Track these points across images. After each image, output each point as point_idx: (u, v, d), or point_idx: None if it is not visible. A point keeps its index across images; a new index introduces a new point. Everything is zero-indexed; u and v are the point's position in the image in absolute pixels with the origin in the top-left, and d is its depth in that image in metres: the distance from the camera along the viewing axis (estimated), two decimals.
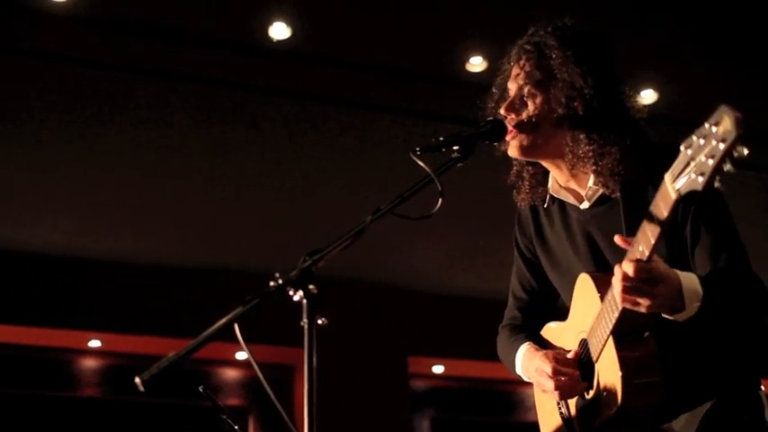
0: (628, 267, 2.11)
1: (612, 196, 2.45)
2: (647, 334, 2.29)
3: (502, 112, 2.51)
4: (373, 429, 7.51)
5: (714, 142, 1.78)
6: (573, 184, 2.55)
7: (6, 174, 6.20)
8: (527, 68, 2.49)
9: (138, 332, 7.38)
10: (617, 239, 2.18)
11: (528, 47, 2.51)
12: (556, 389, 2.48)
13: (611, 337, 2.29)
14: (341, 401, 6.81)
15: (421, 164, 2.31)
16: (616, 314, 2.22)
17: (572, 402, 2.57)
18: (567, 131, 2.45)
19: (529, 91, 2.48)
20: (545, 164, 2.58)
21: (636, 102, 2.54)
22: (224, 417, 3.19)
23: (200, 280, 7.42)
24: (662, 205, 1.98)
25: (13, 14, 4.98)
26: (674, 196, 1.92)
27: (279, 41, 5.27)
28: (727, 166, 1.80)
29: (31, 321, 7.25)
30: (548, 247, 2.68)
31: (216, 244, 7.26)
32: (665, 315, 2.23)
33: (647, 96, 5.72)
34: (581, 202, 2.53)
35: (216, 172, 6.35)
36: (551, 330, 2.73)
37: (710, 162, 1.80)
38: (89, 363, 7.73)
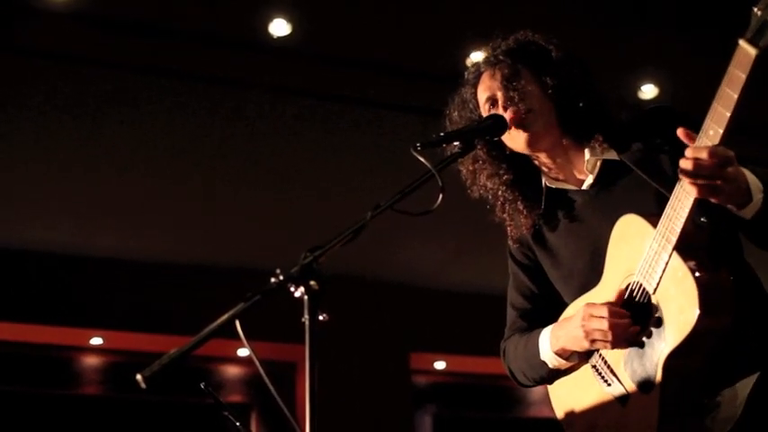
0: (699, 152, 2.05)
1: (613, 159, 2.46)
2: (718, 263, 2.20)
3: (500, 107, 2.51)
4: (375, 426, 7.51)
5: None
6: (569, 169, 2.56)
7: (7, 172, 6.20)
8: (501, 69, 2.53)
9: (139, 330, 7.39)
10: (679, 132, 2.11)
11: (491, 57, 2.57)
12: (610, 328, 2.31)
13: (675, 255, 2.19)
14: (343, 398, 6.82)
15: (422, 159, 2.31)
16: (683, 217, 2.14)
17: (617, 362, 2.41)
18: (556, 119, 2.50)
19: (513, 85, 2.50)
20: (543, 157, 2.57)
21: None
22: (226, 414, 3.19)
23: (201, 278, 7.42)
24: (738, 71, 1.98)
25: (12, 13, 4.98)
26: (753, 52, 1.95)
27: (279, 38, 5.26)
28: None
29: (33, 319, 7.25)
30: (547, 247, 2.65)
31: (217, 242, 7.26)
32: (732, 209, 2.17)
33: (648, 91, 5.72)
34: (580, 185, 2.54)
35: (216, 170, 6.35)
36: (581, 302, 2.54)
37: None
38: (91, 360, 7.74)
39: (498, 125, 2.48)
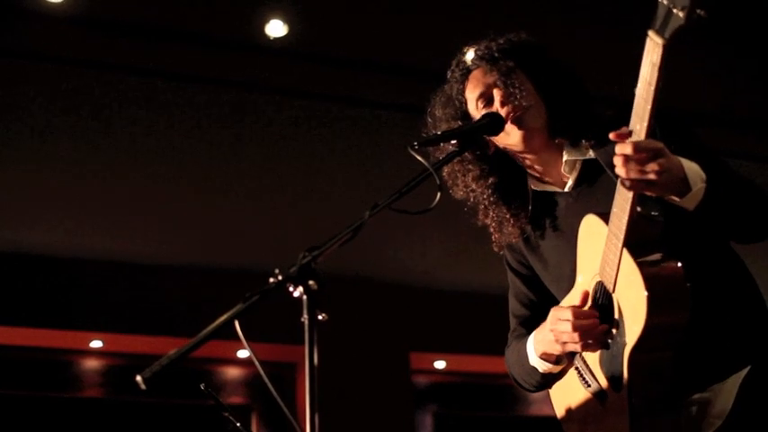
0: (624, 147, 2.07)
1: (590, 158, 2.47)
2: (668, 254, 2.20)
3: (497, 104, 2.50)
4: (376, 426, 7.51)
5: None
6: (552, 171, 2.55)
7: (6, 175, 6.20)
8: (495, 66, 2.52)
9: (139, 332, 7.39)
10: (611, 135, 2.11)
11: (482, 54, 2.56)
12: (574, 330, 2.33)
13: (625, 252, 2.20)
14: (343, 398, 6.82)
15: (419, 158, 2.31)
16: (627, 212, 2.15)
17: (595, 363, 2.42)
18: (545, 117, 2.50)
19: (506, 82, 2.49)
20: (530, 158, 2.56)
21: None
22: (227, 415, 3.19)
23: (201, 279, 7.42)
24: (650, 63, 1.98)
25: (9, 16, 4.98)
26: (661, 42, 1.93)
27: (275, 39, 5.26)
28: None
29: (33, 322, 7.25)
30: (537, 251, 2.65)
31: (217, 243, 7.26)
32: (673, 199, 2.18)
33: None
34: (564, 187, 2.53)
35: (214, 171, 6.35)
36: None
37: None
38: (91, 363, 7.74)
39: (495, 123, 2.48)
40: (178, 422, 7.68)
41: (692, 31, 1.88)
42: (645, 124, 2.04)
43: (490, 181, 2.58)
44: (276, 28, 5.21)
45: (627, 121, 2.16)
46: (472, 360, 8.30)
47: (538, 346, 2.56)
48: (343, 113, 5.91)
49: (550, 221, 2.59)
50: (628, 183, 2.11)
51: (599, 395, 2.42)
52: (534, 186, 2.59)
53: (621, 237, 2.18)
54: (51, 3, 4.90)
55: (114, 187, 6.42)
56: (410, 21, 5.26)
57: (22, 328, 7.28)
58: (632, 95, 2.08)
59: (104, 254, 7.27)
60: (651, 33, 1.95)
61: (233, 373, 8.01)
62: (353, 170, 6.42)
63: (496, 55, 2.53)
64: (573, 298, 2.45)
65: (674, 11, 1.86)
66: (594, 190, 2.48)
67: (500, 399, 8.67)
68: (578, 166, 2.51)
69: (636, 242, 2.19)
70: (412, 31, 5.31)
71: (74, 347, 7.65)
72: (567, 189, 2.54)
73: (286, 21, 5.19)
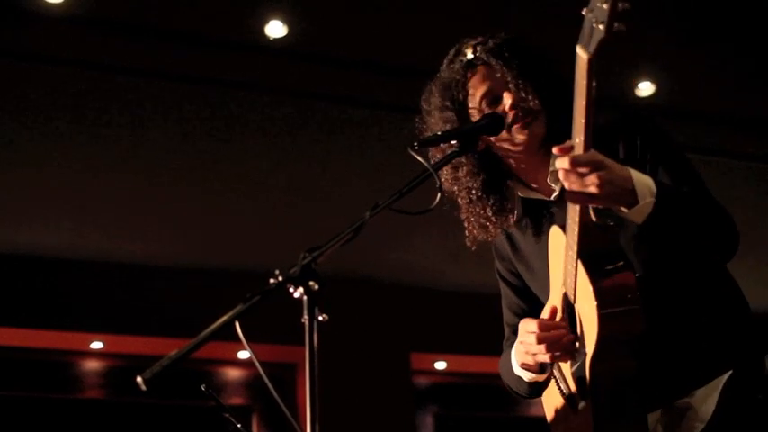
0: (563, 162, 2.08)
1: None
2: (620, 263, 2.22)
3: (505, 105, 2.48)
4: (376, 426, 7.51)
5: None
6: (540, 178, 2.53)
7: (7, 176, 6.19)
8: (508, 67, 2.49)
9: (139, 333, 7.39)
10: (554, 150, 2.12)
11: (491, 51, 2.52)
12: (539, 342, 2.35)
13: (580, 264, 2.22)
14: (344, 399, 6.81)
15: (419, 159, 2.31)
16: (577, 221, 2.16)
17: (567, 371, 2.46)
18: (544, 119, 2.49)
19: (518, 85, 2.47)
20: (523, 164, 2.54)
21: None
22: (227, 416, 3.19)
23: (201, 281, 7.42)
24: (579, 77, 1.99)
25: (8, 16, 4.98)
26: (585, 56, 1.95)
27: (275, 40, 5.26)
28: (624, 5, 1.85)
29: (33, 324, 7.25)
30: (524, 259, 2.66)
31: (217, 244, 7.26)
32: (622, 210, 2.17)
33: (645, 89, 5.71)
34: (551, 194, 2.53)
35: (214, 171, 6.35)
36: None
37: (605, 6, 1.85)
38: (91, 364, 7.74)
39: (495, 124, 2.47)
40: (179, 423, 7.68)
41: (611, 43, 1.89)
42: (582, 138, 2.05)
43: (480, 178, 2.56)
44: (276, 28, 5.21)
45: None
46: (473, 361, 8.29)
47: (517, 357, 2.58)
48: (343, 114, 5.91)
49: (536, 229, 2.59)
50: (570, 196, 2.12)
51: (571, 402, 2.46)
52: (521, 193, 2.58)
53: (575, 248, 2.21)
54: (51, 3, 4.90)
55: (115, 188, 6.42)
56: (410, 21, 5.26)
57: (23, 330, 7.28)
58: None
59: (105, 255, 7.27)
60: (578, 48, 1.97)
61: (233, 373, 8.01)
62: (353, 170, 6.42)
63: (507, 55, 2.50)
64: (545, 310, 2.48)
65: (595, 25, 1.89)
66: None
67: (501, 399, 8.66)
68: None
69: (590, 252, 2.22)
70: (412, 31, 5.31)
71: (74, 348, 7.65)
72: (552, 198, 2.53)
73: (286, 21, 5.19)
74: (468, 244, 2.69)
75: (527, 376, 2.61)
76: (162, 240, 7.20)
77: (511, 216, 2.60)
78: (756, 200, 6.50)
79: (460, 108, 2.55)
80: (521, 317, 2.69)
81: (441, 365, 8.60)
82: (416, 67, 5.57)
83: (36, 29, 5.03)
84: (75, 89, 5.47)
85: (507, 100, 2.47)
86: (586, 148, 2.06)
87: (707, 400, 2.30)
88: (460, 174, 2.57)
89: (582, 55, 1.96)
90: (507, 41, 2.54)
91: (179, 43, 5.24)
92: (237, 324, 2.00)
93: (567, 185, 2.11)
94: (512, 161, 2.55)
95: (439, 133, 2.44)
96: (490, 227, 2.60)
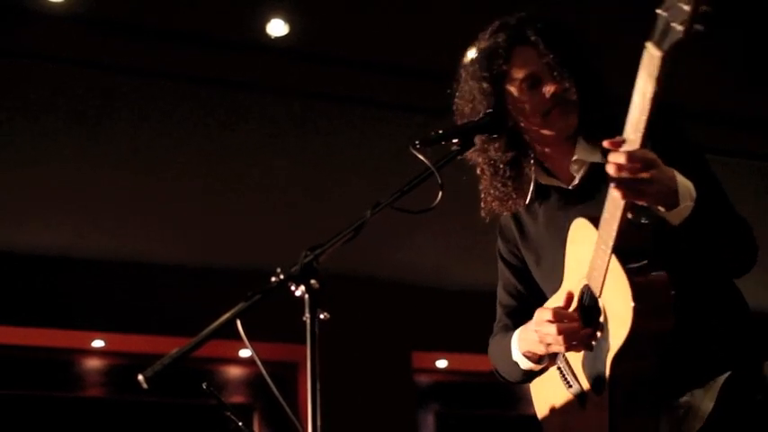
0: (617, 156, 2.08)
1: (600, 162, 2.44)
2: (655, 262, 2.22)
3: (545, 93, 2.46)
4: (378, 425, 7.51)
5: None
6: (561, 165, 2.54)
7: (7, 175, 6.20)
8: (549, 51, 2.46)
9: (141, 332, 7.39)
10: (605, 143, 2.12)
11: (534, 31, 2.49)
12: (559, 332, 2.34)
13: (613, 258, 2.21)
14: (345, 397, 6.81)
15: (421, 157, 2.30)
16: (619, 213, 2.16)
17: (577, 364, 2.46)
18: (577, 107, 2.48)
19: (560, 72, 2.46)
20: (547, 149, 2.55)
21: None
22: (228, 414, 3.20)
23: (202, 279, 7.43)
24: (646, 75, 1.98)
25: (10, 16, 4.98)
26: (659, 54, 1.94)
27: (276, 39, 5.26)
28: (705, 6, 1.83)
29: (35, 322, 7.26)
30: (531, 245, 2.66)
31: (217, 242, 7.26)
32: (660, 210, 2.19)
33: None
34: (570, 183, 2.53)
35: (215, 170, 6.35)
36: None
37: (687, 7, 1.83)
38: (93, 363, 7.74)
39: (497, 122, 2.47)
40: (180, 421, 7.68)
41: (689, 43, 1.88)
42: (639, 135, 2.05)
43: (508, 155, 2.56)
44: (277, 27, 5.21)
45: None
46: (474, 359, 8.28)
47: (522, 344, 2.58)
48: (344, 113, 5.91)
49: (549, 216, 2.59)
50: (619, 191, 2.12)
51: (580, 396, 2.45)
52: (540, 178, 2.59)
53: (611, 243, 2.19)
54: (52, 2, 4.90)
55: (116, 187, 6.42)
56: (411, 20, 5.26)
57: (24, 328, 7.29)
58: (626, 94, 2.08)
59: (106, 253, 7.27)
60: (649, 45, 1.96)
61: (235, 372, 8.01)
62: (355, 169, 6.42)
63: (554, 39, 2.48)
64: (558, 299, 2.47)
65: (673, 24, 1.88)
66: (597, 193, 2.45)
67: (502, 398, 8.67)
68: (586, 166, 2.51)
69: (624, 249, 2.21)
70: (413, 30, 5.31)
71: (76, 347, 7.65)
72: (571, 186, 2.54)
73: (287, 20, 5.19)
74: (483, 215, 2.67)
75: (525, 364, 2.62)
76: (163, 239, 7.21)
77: (524, 198, 2.61)
78: (755, 198, 6.52)
79: (498, 80, 2.53)
80: (515, 298, 2.74)
81: (442, 364, 8.61)
82: (417, 66, 5.61)
83: (37, 28, 5.03)
84: (76, 88, 5.47)
85: (550, 88, 2.46)
86: (642, 144, 2.06)
87: (705, 399, 2.31)
88: (490, 147, 2.56)
89: (654, 53, 1.95)
90: (554, 24, 2.53)
91: (180, 42, 5.24)
92: (239, 322, 2.01)
93: (616, 179, 2.10)
94: (537, 145, 2.56)
95: (440, 132, 2.43)
96: (508, 202, 2.61)
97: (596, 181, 2.46)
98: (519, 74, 2.50)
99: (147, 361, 1.95)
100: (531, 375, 2.68)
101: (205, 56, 5.33)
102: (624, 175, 2.09)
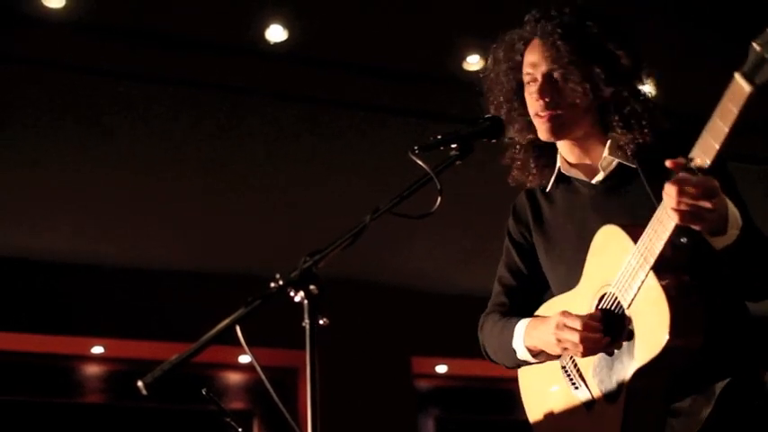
0: (686, 178, 2.06)
1: (629, 164, 2.45)
2: (692, 282, 2.23)
3: (534, 96, 2.47)
4: (377, 430, 7.50)
5: None
6: (586, 159, 2.54)
7: (8, 181, 6.20)
8: (556, 50, 2.45)
9: (141, 337, 7.38)
10: (668, 163, 2.09)
11: (549, 27, 2.47)
12: (582, 342, 2.34)
13: (651, 274, 2.21)
14: (345, 403, 6.81)
15: (420, 162, 2.30)
16: (668, 231, 2.15)
17: (587, 367, 2.45)
18: (594, 108, 2.47)
19: (562, 74, 2.45)
20: (562, 143, 2.56)
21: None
22: (228, 420, 3.20)
23: (201, 284, 7.42)
24: (731, 104, 1.95)
25: (9, 22, 4.98)
26: (748, 89, 1.92)
27: (275, 44, 5.27)
28: None
29: (34, 328, 7.25)
30: (545, 230, 2.66)
31: (217, 248, 7.26)
32: (705, 234, 2.19)
33: (647, 91, 5.70)
34: (592, 177, 2.53)
35: (215, 176, 6.35)
36: (555, 303, 2.60)
37: None
38: (92, 369, 7.73)
39: (495, 127, 2.47)
40: (180, 427, 7.67)
41: None
42: (709, 161, 2.03)
43: (530, 136, 2.59)
44: (276, 33, 5.22)
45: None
46: (474, 364, 8.26)
47: (529, 339, 2.57)
48: (343, 117, 5.91)
49: (567, 206, 2.59)
50: (677, 214, 2.11)
51: (586, 400, 2.45)
52: (563, 167, 2.59)
53: (652, 260, 2.20)
54: (51, 8, 4.91)
55: (115, 192, 6.42)
56: (410, 25, 5.26)
57: (24, 334, 7.28)
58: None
59: (106, 259, 7.27)
60: (738, 77, 1.93)
61: (234, 378, 8.00)
62: (354, 174, 6.42)
63: (558, 33, 2.45)
64: (579, 302, 2.46)
65: None
66: (622, 193, 2.47)
67: (502, 403, 8.65)
68: (614, 165, 2.50)
69: (662, 266, 2.21)
70: (412, 35, 5.31)
71: (75, 353, 7.64)
72: (594, 181, 2.53)
73: (286, 26, 5.19)
74: (510, 182, 2.69)
75: (523, 356, 2.61)
76: (163, 244, 7.20)
77: (545, 180, 2.62)
78: (755, 202, 6.50)
79: (514, 70, 2.56)
80: (516, 277, 2.74)
81: (442, 369, 8.60)
82: (416, 71, 5.61)
83: (37, 33, 5.03)
84: (76, 94, 5.47)
85: (535, 92, 2.48)
86: (711, 171, 2.06)
87: (704, 404, 2.32)
88: (516, 127, 2.60)
89: (744, 86, 1.92)
90: (579, 20, 2.48)
91: (179, 47, 5.25)
92: (238, 328, 2.01)
93: (674, 203, 2.08)
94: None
95: (439, 137, 2.44)
96: (530, 177, 2.63)
97: (621, 180, 2.47)
98: (526, 68, 2.53)
99: (146, 367, 1.95)
100: (522, 364, 2.68)
101: (205, 61, 5.33)
102: (685, 199, 2.08)
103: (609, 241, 2.39)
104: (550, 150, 2.62)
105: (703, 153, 2.04)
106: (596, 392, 2.41)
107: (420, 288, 7.97)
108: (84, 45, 5.14)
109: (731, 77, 1.97)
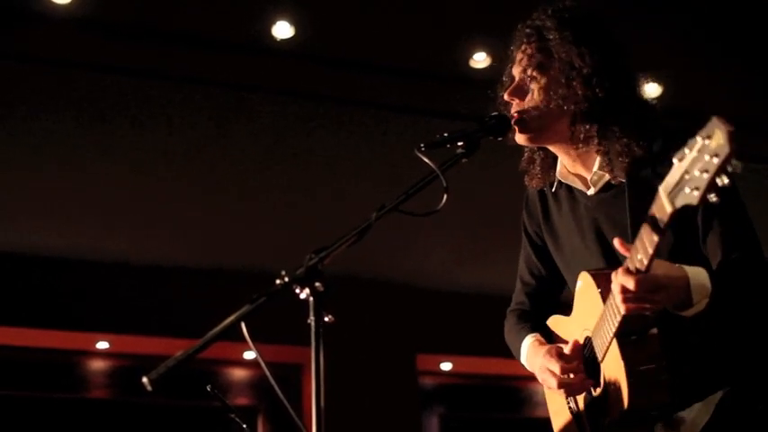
0: (626, 280, 2.11)
1: (616, 183, 2.43)
2: (653, 331, 2.27)
3: (505, 97, 2.51)
4: (382, 427, 7.51)
5: (707, 157, 1.77)
6: (580, 169, 2.53)
7: (12, 177, 6.20)
8: (528, 52, 2.48)
9: (145, 333, 7.39)
10: (616, 244, 2.16)
11: (528, 30, 2.50)
12: (560, 387, 2.45)
13: (614, 339, 2.27)
14: (349, 399, 6.82)
15: (426, 160, 2.30)
16: (618, 318, 2.21)
17: (580, 398, 2.54)
18: (570, 113, 2.44)
19: (531, 74, 2.47)
20: (552, 149, 2.56)
21: (643, 86, 2.54)
22: (233, 416, 3.20)
23: (207, 281, 7.43)
24: (658, 217, 1.96)
25: (13, 18, 4.98)
26: (669, 210, 1.91)
27: (282, 41, 5.26)
28: (723, 181, 1.78)
29: (39, 324, 7.26)
30: (554, 230, 2.67)
31: (222, 245, 7.26)
32: (669, 309, 2.22)
33: (651, 90, 5.70)
34: (588, 188, 2.52)
35: (221, 172, 6.35)
36: (558, 321, 2.69)
37: (705, 176, 1.79)
38: (97, 364, 7.74)
39: (501, 125, 2.47)
40: (184, 423, 7.68)
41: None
42: (646, 261, 2.06)
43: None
44: (283, 29, 5.21)
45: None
46: (479, 362, 8.29)
47: (528, 365, 2.69)
48: (349, 115, 5.91)
49: (571, 207, 2.59)
50: (623, 308, 2.16)
51: (578, 419, 2.57)
52: (560, 177, 2.59)
53: (613, 329, 2.24)
54: (56, 4, 4.91)
55: (120, 189, 6.42)
56: (416, 23, 5.26)
57: (29, 329, 7.29)
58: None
59: (110, 255, 7.27)
60: (662, 193, 1.92)
61: (239, 374, 8.01)
62: (360, 171, 6.42)
63: (532, 38, 2.48)
64: (570, 331, 2.56)
65: (689, 190, 1.83)
66: (615, 205, 2.45)
67: (507, 400, 8.66)
68: (602, 183, 2.49)
69: (627, 328, 2.24)
70: (418, 33, 5.31)
71: (80, 348, 7.65)
72: (589, 192, 2.53)
73: (293, 22, 5.19)
74: (525, 181, 2.70)
75: (528, 371, 2.71)
76: (168, 240, 7.20)
77: (548, 181, 2.63)
78: (753, 201, 6.50)
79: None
80: (536, 277, 2.79)
81: (446, 366, 8.60)
82: (423, 68, 5.61)
83: (41, 29, 5.03)
84: (80, 90, 5.47)
85: (507, 91, 2.51)
86: (648, 267, 2.08)
87: (702, 413, 2.34)
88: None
89: (666, 206, 1.91)
90: (553, 17, 2.48)
91: (185, 44, 5.25)
92: (243, 325, 2.01)
93: (620, 299, 2.14)
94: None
95: (446, 135, 2.43)
96: (535, 179, 2.65)
97: (612, 194, 2.47)
98: (514, 66, 2.55)
99: (151, 363, 1.95)
100: None
101: (211, 58, 5.33)
102: (629, 297, 2.13)
103: (587, 289, 2.44)
104: (555, 156, 2.61)
105: (642, 252, 2.07)
106: (585, 417, 2.53)
107: (425, 285, 7.97)
108: (89, 42, 5.14)
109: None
